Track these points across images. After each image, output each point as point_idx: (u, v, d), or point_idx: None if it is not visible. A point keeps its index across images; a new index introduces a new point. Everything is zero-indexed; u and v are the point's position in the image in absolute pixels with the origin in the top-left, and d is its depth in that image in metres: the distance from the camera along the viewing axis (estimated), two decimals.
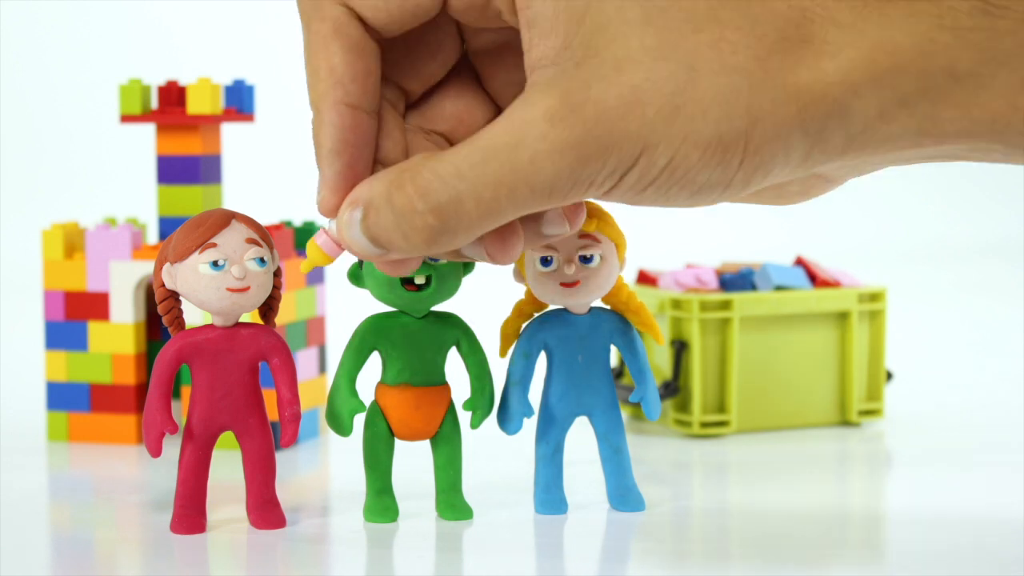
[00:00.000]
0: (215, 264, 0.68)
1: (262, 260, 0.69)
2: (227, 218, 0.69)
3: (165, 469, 0.80)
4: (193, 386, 0.70)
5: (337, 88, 0.55)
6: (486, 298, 0.96)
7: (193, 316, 0.88)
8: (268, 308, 0.71)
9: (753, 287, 0.95)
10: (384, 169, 0.55)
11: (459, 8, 0.55)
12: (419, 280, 0.70)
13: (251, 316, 0.73)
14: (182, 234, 0.69)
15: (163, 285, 0.69)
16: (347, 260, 0.67)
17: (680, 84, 0.52)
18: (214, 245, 0.68)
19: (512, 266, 0.71)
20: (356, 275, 0.71)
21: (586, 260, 0.70)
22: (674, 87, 0.52)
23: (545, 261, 0.70)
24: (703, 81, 0.52)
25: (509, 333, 0.73)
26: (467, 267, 0.71)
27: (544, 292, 0.71)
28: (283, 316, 0.90)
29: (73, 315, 0.92)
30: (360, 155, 0.56)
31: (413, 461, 0.78)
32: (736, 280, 0.95)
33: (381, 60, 0.57)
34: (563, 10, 0.53)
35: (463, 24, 0.58)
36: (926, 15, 0.52)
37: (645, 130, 0.52)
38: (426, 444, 0.74)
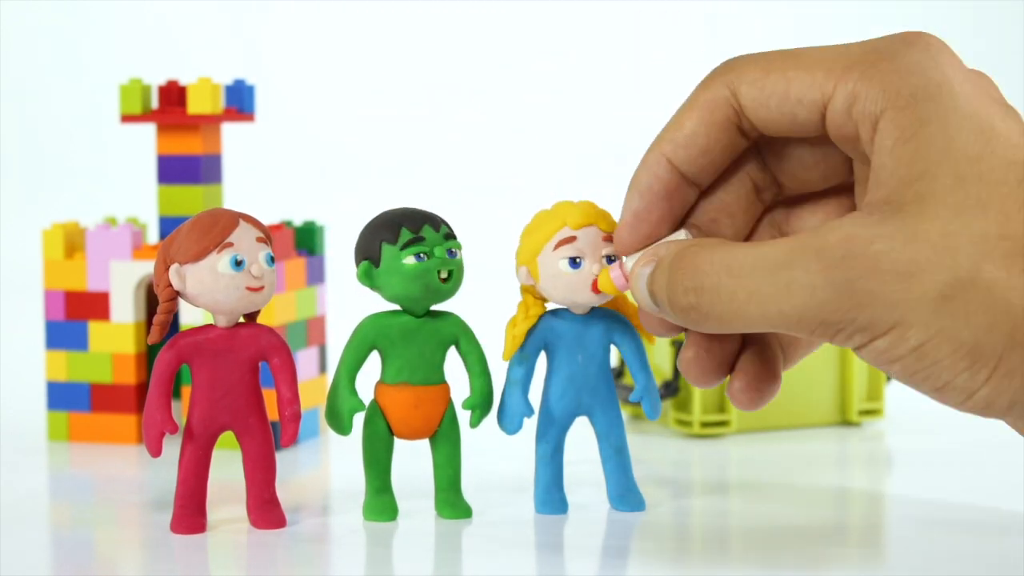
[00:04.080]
0: (237, 263, 0.68)
1: (271, 258, 0.69)
2: (236, 218, 0.69)
3: (165, 469, 0.80)
4: (193, 386, 0.70)
5: (669, 143, 0.60)
6: (484, 297, 0.96)
7: (193, 316, 0.88)
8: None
9: None
10: (695, 237, 0.60)
11: (835, 136, 0.57)
12: (443, 275, 0.70)
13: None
14: (194, 235, 0.68)
15: (169, 285, 0.69)
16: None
17: (958, 278, 0.51)
18: (231, 245, 0.68)
19: (523, 268, 0.71)
20: (368, 274, 0.71)
21: (609, 260, 0.70)
22: (951, 279, 0.51)
23: (574, 262, 0.70)
24: (981, 285, 0.51)
25: (518, 335, 0.73)
26: None
27: (570, 293, 0.71)
28: (283, 316, 0.90)
29: (73, 315, 0.92)
30: (658, 207, 0.60)
31: (413, 460, 0.78)
32: None
33: (756, 150, 0.61)
34: (900, 167, 0.53)
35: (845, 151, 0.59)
36: None
37: (903, 306, 0.52)
38: (426, 443, 0.74)
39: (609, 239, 0.70)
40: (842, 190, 0.62)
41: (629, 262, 0.62)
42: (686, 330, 0.60)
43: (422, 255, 0.70)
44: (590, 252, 0.70)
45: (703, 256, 0.56)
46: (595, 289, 0.70)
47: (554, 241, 0.70)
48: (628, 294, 0.73)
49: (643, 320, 0.62)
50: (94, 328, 0.92)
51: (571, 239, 0.70)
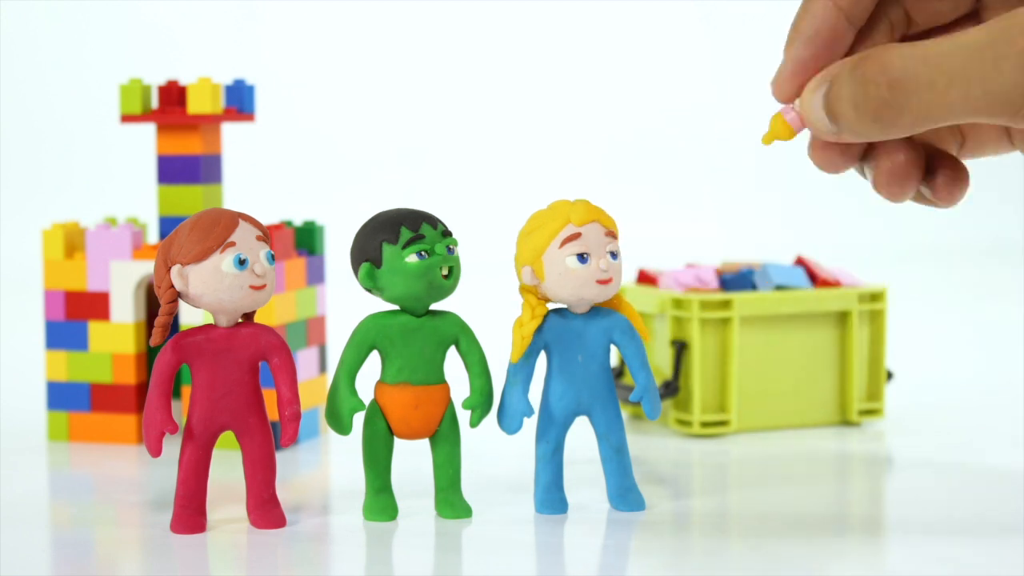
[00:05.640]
0: (241, 262, 0.68)
1: (271, 256, 0.69)
2: (236, 217, 0.69)
3: (165, 469, 0.80)
4: (193, 386, 0.70)
5: None
6: (484, 297, 0.96)
7: (193, 316, 0.88)
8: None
9: (753, 287, 0.95)
10: None
11: None
12: (444, 271, 0.70)
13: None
14: (195, 235, 0.68)
15: (171, 287, 0.69)
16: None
17: None
18: (233, 244, 0.68)
19: (527, 268, 0.71)
20: (371, 275, 0.71)
21: (613, 256, 0.71)
22: None
23: (582, 258, 0.70)
24: None
25: (526, 335, 0.73)
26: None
27: (577, 288, 0.71)
28: (283, 316, 0.90)
29: (73, 315, 0.92)
30: (824, 52, 0.58)
31: (412, 460, 0.78)
32: (736, 280, 0.95)
33: None
34: None
35: None
36: None
37: None
38: (425, 443, 0.74)
39: (611, 235, 0.71)
40: (968, 19, 0.60)
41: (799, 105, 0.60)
42: (864, 158, 0.58)
43: (423, 253, 0.70)
44: (595, 247, 0.70)
45: (891, 52, 0.54)
46: (767, 139, 0.65)
47: (559, 239, 0.71)
48: (625, 295, 0.73)
49: (817, 156, 0.60)
50: (94, 328, 0.92)
51: (576, 236, 0.70)
